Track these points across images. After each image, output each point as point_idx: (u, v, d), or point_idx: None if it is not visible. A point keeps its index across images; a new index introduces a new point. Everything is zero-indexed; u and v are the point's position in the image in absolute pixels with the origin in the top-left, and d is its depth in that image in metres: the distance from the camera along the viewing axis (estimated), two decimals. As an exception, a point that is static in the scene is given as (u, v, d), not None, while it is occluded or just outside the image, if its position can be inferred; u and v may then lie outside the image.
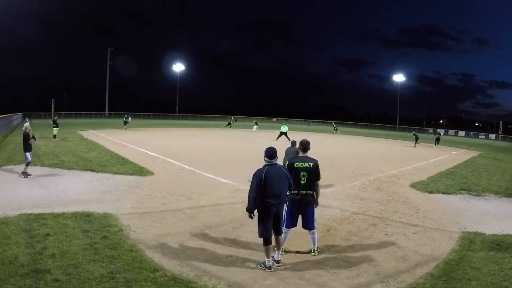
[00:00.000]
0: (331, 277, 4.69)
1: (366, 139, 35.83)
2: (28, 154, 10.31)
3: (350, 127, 73.01)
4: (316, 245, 5.45)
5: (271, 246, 4.90)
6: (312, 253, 5.39)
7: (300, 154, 5.46)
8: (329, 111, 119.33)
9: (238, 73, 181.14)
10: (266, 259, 4.86)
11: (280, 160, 5.52)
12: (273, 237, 5.01)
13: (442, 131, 35.98)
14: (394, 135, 49.17)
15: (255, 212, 4.91)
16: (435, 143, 29.79)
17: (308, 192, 5.26)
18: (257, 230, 4.95)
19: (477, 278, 4.71)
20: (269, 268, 4.81)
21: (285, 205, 5.33)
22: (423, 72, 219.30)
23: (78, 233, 5.65)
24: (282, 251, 5.28)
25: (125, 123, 33.43)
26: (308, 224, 5.35)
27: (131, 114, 60.00)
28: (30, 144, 10.51)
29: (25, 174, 10.01)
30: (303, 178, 5.19)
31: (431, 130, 36.35)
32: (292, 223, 5.37)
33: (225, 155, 16.63)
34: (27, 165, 10.26)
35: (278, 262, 4.99)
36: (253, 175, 4.85)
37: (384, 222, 7.30)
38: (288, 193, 5.13)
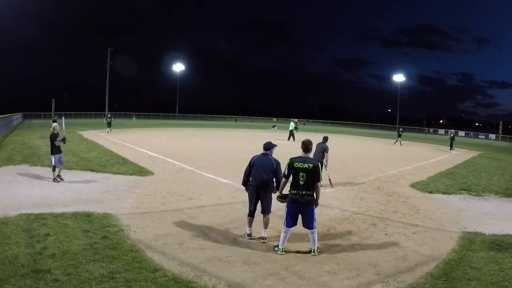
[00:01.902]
0: (331, 277, 4.68)
1: (366, 139, 35.82)
2: (52, 157, 9.60)
3: (350, 127, 73.05)
4: (316, 245, 5.45)
5: (251, 218, 5.95)
6: (312, 253, 5.39)
7: (302, 154, 5.45)
8: (329, 111, 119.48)
9: (237, 73, 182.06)
10: (247, 227, 6.01)
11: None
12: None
13: (452, 131, 30.17)
14: (394, 135, 49.05)
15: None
16: (451, 147, 25.61)
17: (307, 192, 5.27)
18: None
19: (477, 278, 4.71)
20: (249, 235, 5.92)
21: (285, 204, 5.44)
22: (423, 72, 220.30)
23: (78, 233, 5.64)
24: (282, 251, 5.39)
25: (109, 124, 27.82)
26: (308, 224, 5.36)
27: (134, 114, 59.97)
28: (58, 146, 9.77)
29: (56, 180, 9.45)
30: (301, 179, 5.23)
31: (450, 131, 30.14)
32: (291, 223, 5.38)
33: (225, 155, 16.62)
34: (53, 169, 9.60)
35: (263, 238, 5.81)
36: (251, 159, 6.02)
37: (384, 222, 7.30)
38: (275, 183, 5.81)
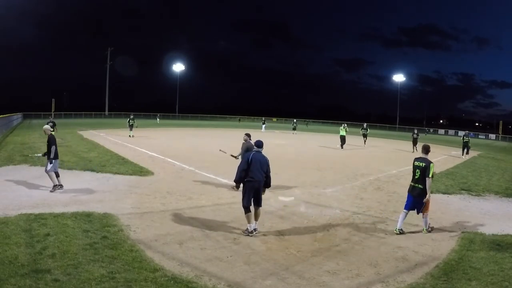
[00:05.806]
0: (331, 277, 4.69)
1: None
2: (57, 162, 8.70)
3: (350, 127, 72.85)
4: (427, 226, 6.69)
5: (250, 214, 6.11)
6: (422, 231, 6.65)
7: (422, 155, 6.69)
8: (329, 111, 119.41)
9: (237, 73, 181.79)
10: (247, 224, 6.11)
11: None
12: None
13: (470, 133, 22.74)
14: (394, 135, 49.19)
15: (241, 186, 6.22)
16: (463, 152, 21.38)
17: (418, 186, 6.51)
18: (241, 201, 6.23)
19: (477, 278, 4.71)
20: (251, 232, 6.03)
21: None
22: (423, 72, 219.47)
23: (78, 233, 5.65)
24: (396, 231, 6.53)
25: (131, 126, 24.47)
26: (416, 210, 6.63)
27: (159, 115, 59.61)
28: (56, 151, 8.62)
29: (61, 186, 8.60)
30: (416, 174, 6.55)
31: (465, 133, 22.79)
32: (408, 207, 6.65)
33: (225, 155, 16.59)
34: (57, 175, 8.65)
35: (255, 230, 6.14)
36: (244, 155, 6.31)
37: (384, 222, 7.30)
38: (266, 176, 6.20)
